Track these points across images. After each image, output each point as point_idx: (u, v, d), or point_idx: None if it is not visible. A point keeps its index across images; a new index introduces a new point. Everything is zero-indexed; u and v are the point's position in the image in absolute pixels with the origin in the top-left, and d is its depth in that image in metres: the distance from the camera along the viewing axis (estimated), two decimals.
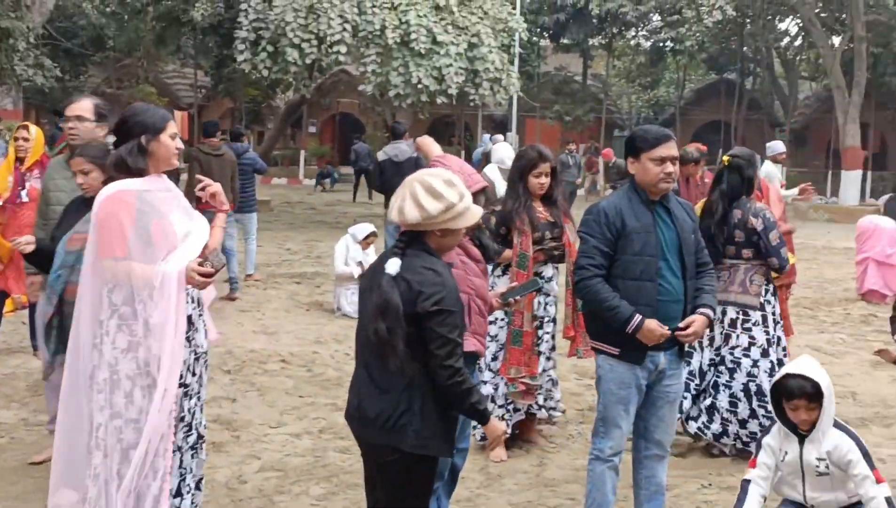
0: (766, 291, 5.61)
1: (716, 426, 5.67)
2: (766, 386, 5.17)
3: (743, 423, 5.57)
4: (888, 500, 3.87)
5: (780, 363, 5.50)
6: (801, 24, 30.70)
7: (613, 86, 39.90)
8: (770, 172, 10.42)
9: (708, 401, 5.68)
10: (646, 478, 4.37)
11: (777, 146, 11.71)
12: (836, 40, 28.63)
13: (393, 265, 3.23)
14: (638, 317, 4.01)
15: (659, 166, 4.09)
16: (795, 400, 3.91)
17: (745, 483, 4.17)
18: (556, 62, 37.25)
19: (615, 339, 4.13)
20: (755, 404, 5.51)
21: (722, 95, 36.14)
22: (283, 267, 13.11)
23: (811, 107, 36.28)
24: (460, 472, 4.45)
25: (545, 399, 5.76)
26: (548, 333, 5.67)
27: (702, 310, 4.18)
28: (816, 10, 27.42)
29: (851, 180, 25.70)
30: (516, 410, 5.69)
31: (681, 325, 4.13)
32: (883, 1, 26.88)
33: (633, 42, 38.26)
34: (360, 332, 3.37)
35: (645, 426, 4.33)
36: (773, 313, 5.63)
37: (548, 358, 5.68)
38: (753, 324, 5.59)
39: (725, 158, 5.63)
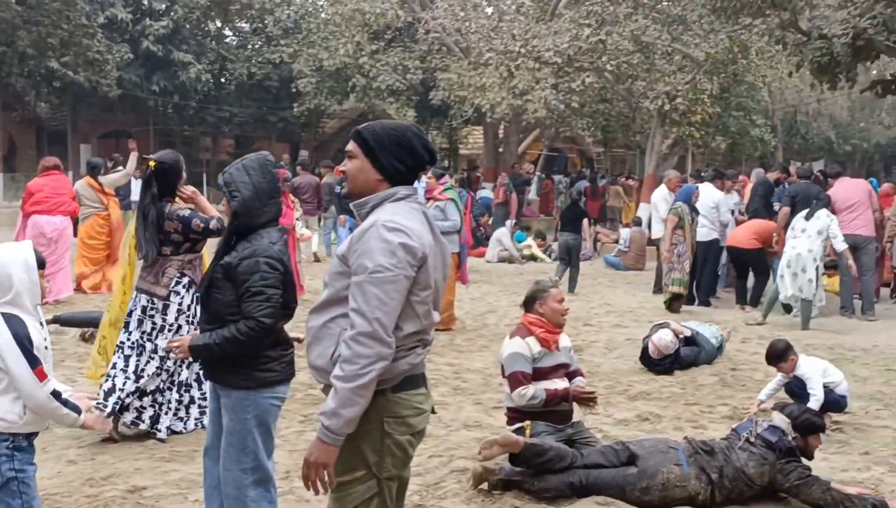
0: (178, 283, 6.02)
1: (150, 412, 6.11)
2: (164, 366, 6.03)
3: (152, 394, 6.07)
4: None
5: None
6: None
7: None
8: None
9: (131, 386, 6.01)
10: None
11: None
12: None
13: None
14: None
15: None
16: None
17: None
18: None
19: None
20: (160, 382, 6.09)
21: None
22: None
23: None
24: None
25: None
26: None
27: None
28: None
29: None
30: None
31: None
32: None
33: None
34: None
35: None
36: (180, 303, 6.04)
37: None
38: (159, 311, 6.03)
39: (152, 162, 5.94)
